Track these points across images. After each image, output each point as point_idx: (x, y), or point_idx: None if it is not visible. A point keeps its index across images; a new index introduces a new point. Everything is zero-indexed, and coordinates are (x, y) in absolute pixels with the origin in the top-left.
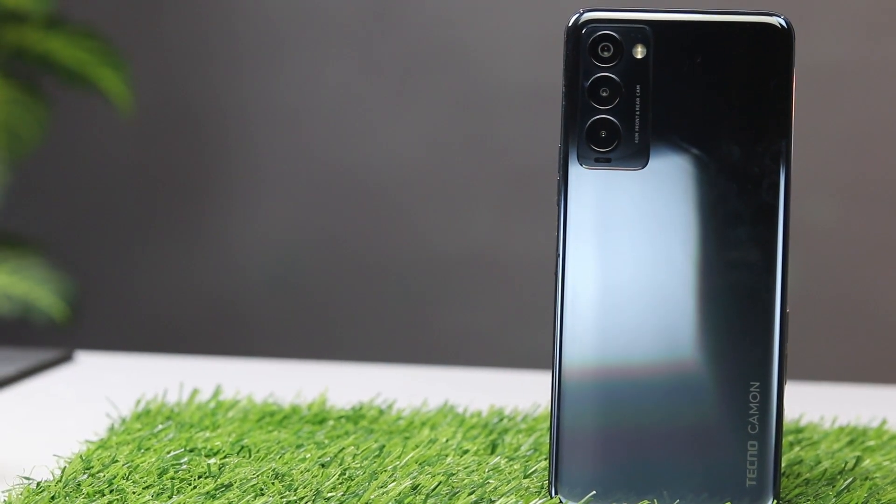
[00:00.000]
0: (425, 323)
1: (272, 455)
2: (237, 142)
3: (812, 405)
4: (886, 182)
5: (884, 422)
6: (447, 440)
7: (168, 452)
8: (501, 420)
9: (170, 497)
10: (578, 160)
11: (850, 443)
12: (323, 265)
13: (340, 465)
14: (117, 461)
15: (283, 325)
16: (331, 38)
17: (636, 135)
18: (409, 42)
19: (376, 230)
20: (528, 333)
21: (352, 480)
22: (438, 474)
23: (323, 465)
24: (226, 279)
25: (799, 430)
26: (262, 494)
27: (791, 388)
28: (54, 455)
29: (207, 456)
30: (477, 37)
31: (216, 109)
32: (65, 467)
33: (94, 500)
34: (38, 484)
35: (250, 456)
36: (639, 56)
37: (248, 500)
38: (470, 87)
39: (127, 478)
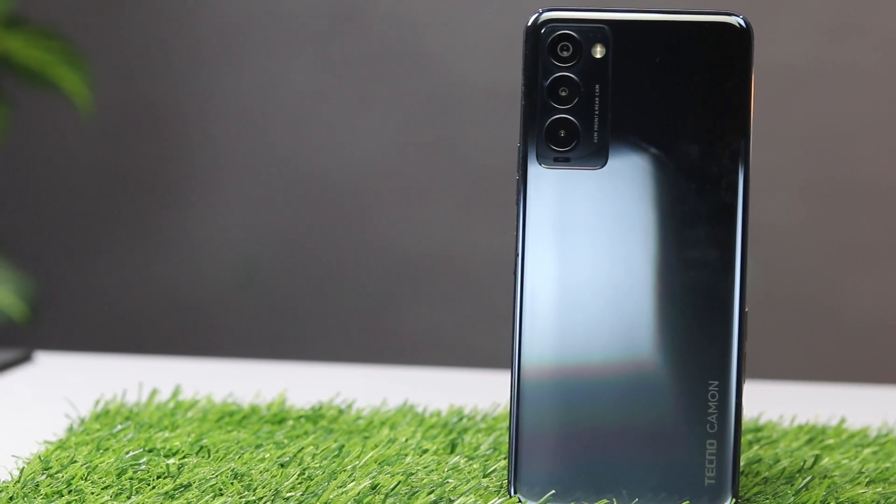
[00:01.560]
0: (385, 322)
1: (231, 455)
2: (198, 141)
3: (771, 404)
4: (846, 182)
5: (842, 420)
6: (406, 440)
7: (127, 453)
8: (461, 419)
9: (128, 497)
10: (538, 159)
11: (809, 441)
12: (284, 265)
13: (300, 464)
14: (76, 461)
15: (243, 324)
16: (292, 38)
17: (595, 134)
18: (371, 43)
19: (337, 230)
20: (488, 333)
21: (311, 480)
22: (398, 474)
23: (282, 465)
24: (186, 279)
25: (758, 429)
26: (221, 494)
27: (750, 387)
28: (13, 455)
29: (166, 456)
30: (438, 37)
31: (177, 109)
32: (23, 468)
33: (52, 501)
34: None
35: (209, 456)
36: (598, 56)
37: (206, 501)
38: (431, 87)
39: (85, 478)
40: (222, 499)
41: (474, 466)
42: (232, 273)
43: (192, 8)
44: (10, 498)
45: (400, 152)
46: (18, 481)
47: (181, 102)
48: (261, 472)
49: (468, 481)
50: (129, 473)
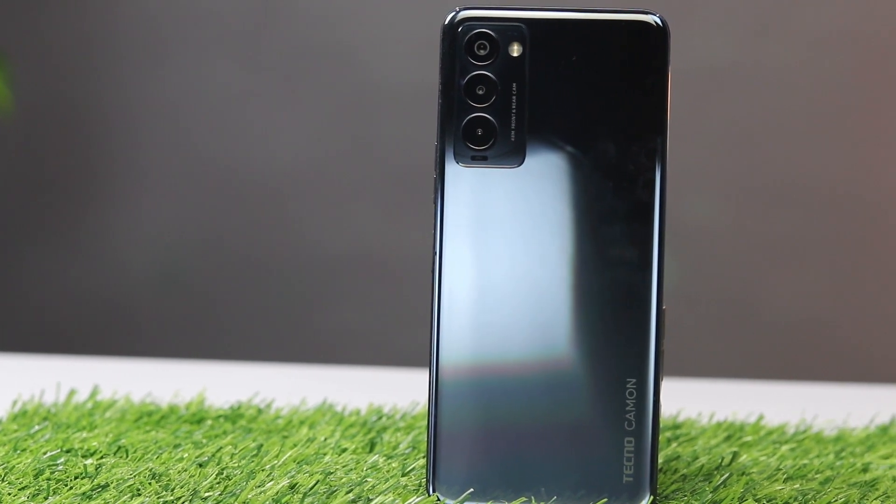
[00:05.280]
0: (304, 322)
1: (149, 455)
2: (120, 140)
3: (690, 401)
4: (765, 182)
5: (760, 417)
6: (325, 439)
7: (44, 453)
8: (380, 418)
9: (46, 498)
10: (455, 158)
11: (728, 438)
12: (204, 264)
13: (218, 464)
14: None
15: (163, 324)
16: (213, 36)
17: (512, 133)
18: (292, 41)
19: (258, 229)
20: (407, 332)
21: (229, 480)
22: (316, 473)
23: (200, 465)
24: (106, 278)
25: (677, 426)
26: (139, 495)
27: (669, 385)
28: None
29: (84, 456)
30: (357, 36)
31: (99, 108)
32: None
33: None
34: None
35: (127, 456)
36: (515, 54)
37: (124, 501)
38: (352, 86)
39: (2, 479)
40: (140, 499)
41: (393, 465)
42: (152, 272)
43: (114, 5)
44: None
45: (320, 151)
46: None
47: (103, 101)
48: (179, 472)
49: (387, 480)
50: (47, 474)
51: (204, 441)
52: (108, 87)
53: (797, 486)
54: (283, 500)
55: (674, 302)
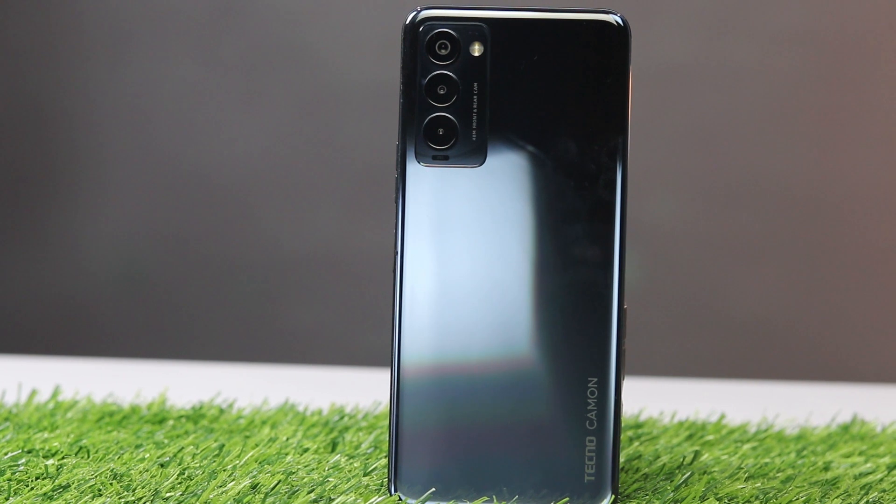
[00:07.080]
0: (267, 321)
1: (111, 455)
2: (82, 138)
3: (651, 400)
4: (726, 181)
5: (722, 416)
6: (287, 439)
7: (5, 454)
8: (342, 418)
9: (7, 499)
10: (416, 158)
11: (689, 437)
12: (166, 263)
13: (180, 464)
14: None
15: (125, 323)
16: (175, 34)
17: (474, 132)
18: (253, 40)
19: (220, 228)
20: (369, 331)
21: (191, 480)
22: (278, 473)
23: (162, 465)
24: (69, 278)
25: (638, 426)
26: (101, 495)
27: (631, 384)
28: None
29: (45, 457)
30: (319, 34)
31: (61, 107)
32: None
33: None
34: None
35: (89, 456)
36: (476, 54)
37: (86, 501)
38: (313, 84)
39: None
40: (101, 499)
41: (355, 465)
42: (114, 272)
43: (74, 3)
44: None
45: (282, 150)
46: None
47: (65, 99)
48: (140, 472)
49: (349, 480)
50: (8, 475)
51: (165, 441)
52: (70, 84)
53: (759, 484)
54: (245, 500)
55: (635, 301)
